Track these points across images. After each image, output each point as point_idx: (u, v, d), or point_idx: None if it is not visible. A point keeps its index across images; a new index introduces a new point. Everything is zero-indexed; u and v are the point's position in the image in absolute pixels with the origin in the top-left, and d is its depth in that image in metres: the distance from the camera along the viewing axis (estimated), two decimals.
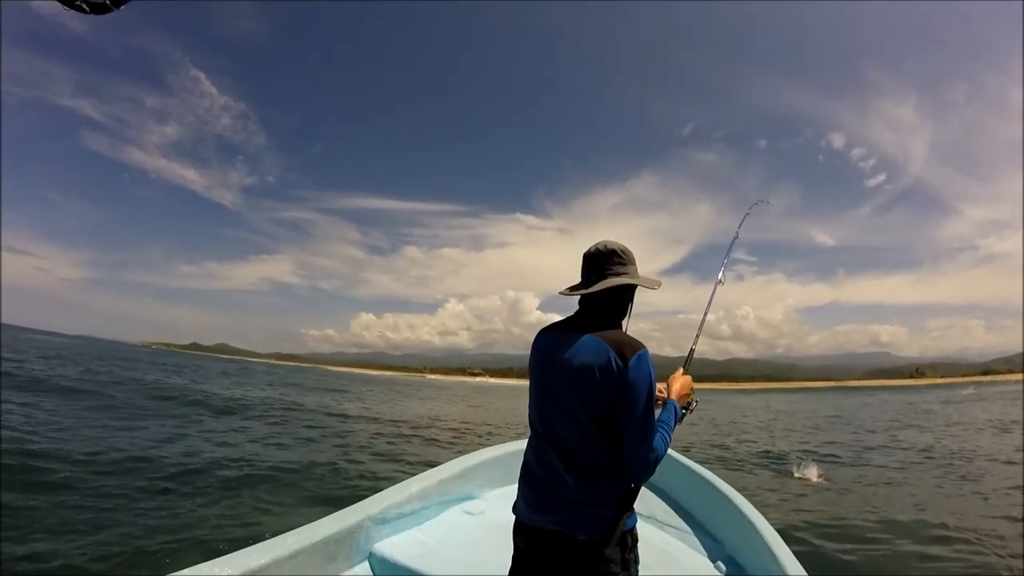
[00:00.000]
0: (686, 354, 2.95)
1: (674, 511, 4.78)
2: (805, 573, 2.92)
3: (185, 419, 16.16)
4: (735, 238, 3.89)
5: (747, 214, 4.17)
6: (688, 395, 2.51)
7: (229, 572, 2.40)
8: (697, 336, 3.14)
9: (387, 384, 76.36)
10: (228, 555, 2.50)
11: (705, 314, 3.29)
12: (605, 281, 2.22)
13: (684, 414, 2.50)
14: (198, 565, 2.39)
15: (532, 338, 2.35)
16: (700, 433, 21.10)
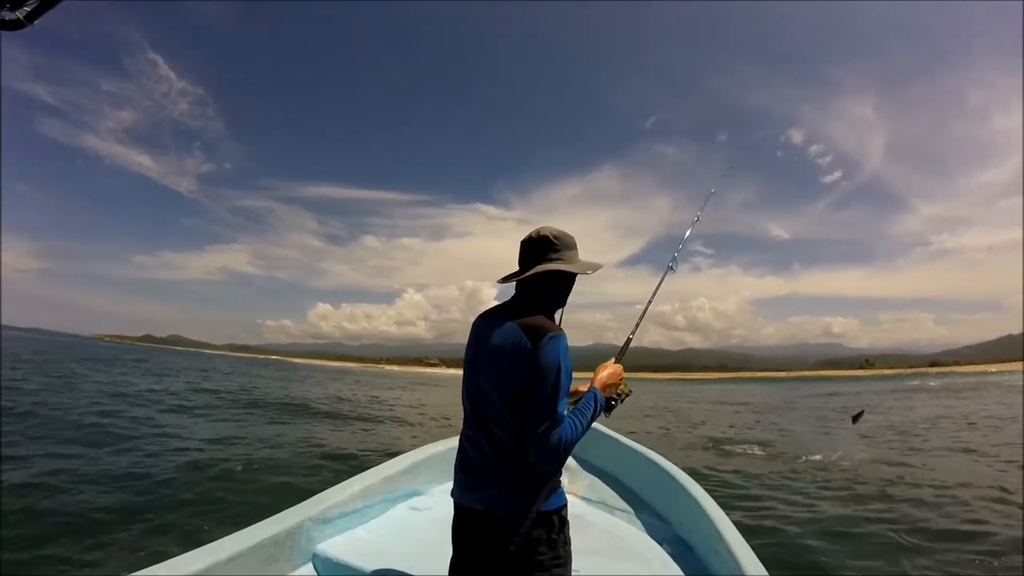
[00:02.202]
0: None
1: (623, 494, 4.82)
2: (750, 549, 2.98)
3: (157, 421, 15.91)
4: (696, 221, 3.83)
5: (712, 192, 4.19)
6: (618, 384, 2.47)
7: None
8: (636, 326, 3.03)
9: (349, 375, 75.32)
10: (164, 562, 2.46)
11: (649, 303, 3.19)
12: (536, 268, 2.26)
13: (614, 404, 2.50)
14: (132, 574, 2.32)
15: None
16: (655, 420, 21.75)
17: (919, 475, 10.65)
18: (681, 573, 3.29)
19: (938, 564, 6.13)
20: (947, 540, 6.82)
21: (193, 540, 2.37)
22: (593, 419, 2.22)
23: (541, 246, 2.29)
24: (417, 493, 4.24)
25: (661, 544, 3.73)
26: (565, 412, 2.09)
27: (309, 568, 3.05)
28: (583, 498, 4.73)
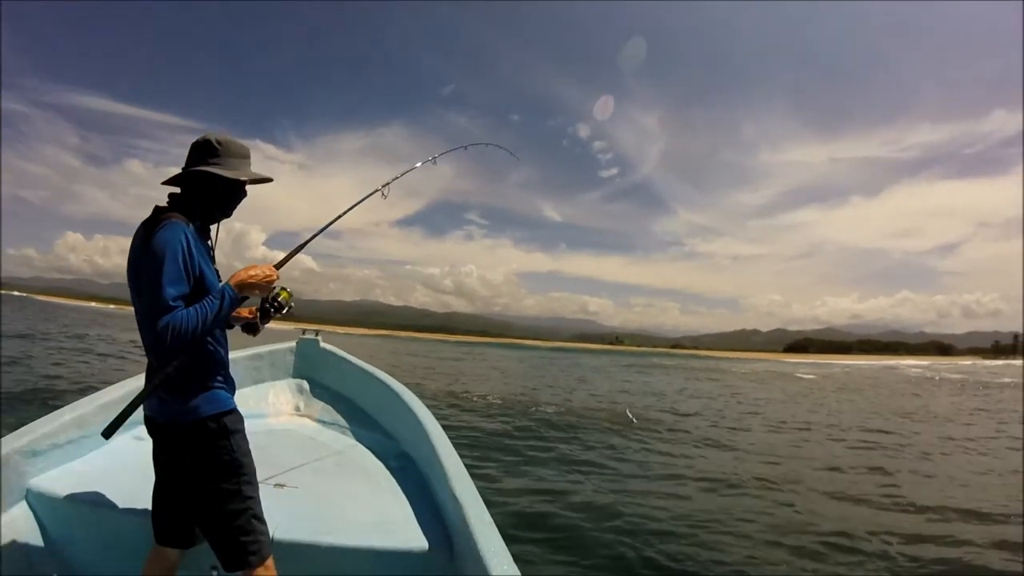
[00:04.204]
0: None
1: (356, 415, 5.08)
2: (459, 459, 3.25)
3: None
4: (432, 160, 3.82)
5: (457, 148, 4.44)
6: (272, 289, 2.39)
7: None
8: (315, 236, 2.85)
9: (110, 319, 67.58)
10: None
11: (344, 213, 3.08)
12: (189, 169, 2.25)
13: (270, 310, 2.50)
14: None
15: None
16: (415, 374, 23.07)
17: (629, 429, 13.00)
18: (397, 485, 3.51)
19: (597, 480, 7.93)
20: (624, 471, 8.91)
21: None
22: (219, 312, 2.10)
23: (202, 150, 2.26)
24: (140, 423, 4.11)
25: (387, 459, 4.00)
26: (179, 303, 2.01)
27: (23, 506, 2.81)
28: (318, 420, 4.98)
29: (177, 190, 2.28)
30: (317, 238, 2.75)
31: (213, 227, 2.37)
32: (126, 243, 2.16)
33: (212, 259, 2.29)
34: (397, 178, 3.46)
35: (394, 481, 3.58)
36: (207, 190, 2.24)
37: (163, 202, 2.19)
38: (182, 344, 1.99)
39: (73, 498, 2.75)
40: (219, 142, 2.25)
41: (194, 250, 2.10)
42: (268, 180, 2.41)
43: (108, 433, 2.14)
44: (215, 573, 2.38)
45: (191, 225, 2.15)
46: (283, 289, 2.47)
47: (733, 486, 8.34)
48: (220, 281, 2.24)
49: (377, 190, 3.27)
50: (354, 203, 3.17)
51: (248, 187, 2.35)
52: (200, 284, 2.12)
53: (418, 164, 3.77)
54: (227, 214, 2.36)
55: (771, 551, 5.80)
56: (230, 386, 2.34)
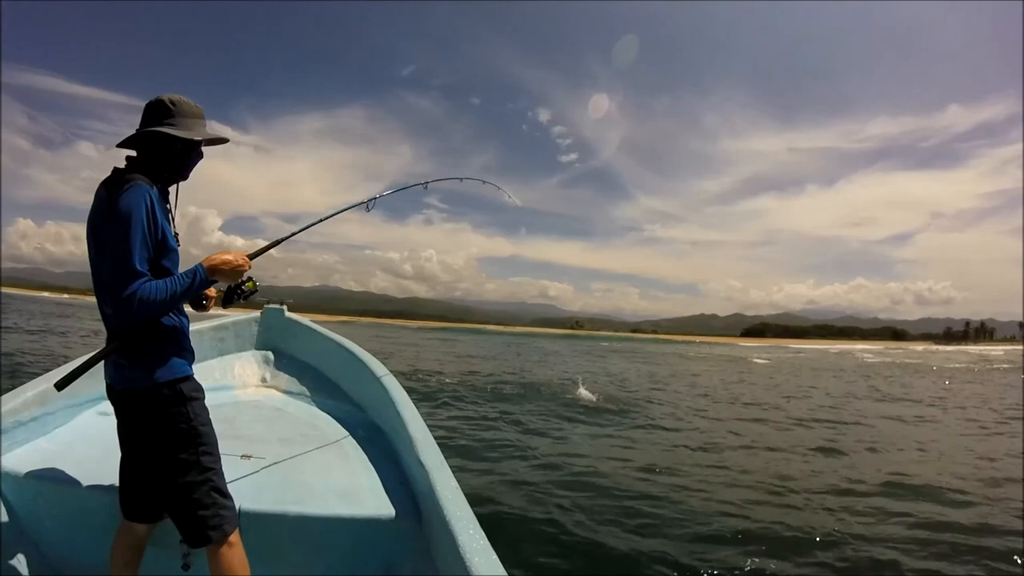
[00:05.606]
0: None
1: (324, 385, 5.08)
2: (426, 428, 3.25)
3: None
4: (423, 184, 3.95)
5: (452, 179, 4.58)
6: (241, 275, 2.39)
7: None
8: (293, 235, 2.97)
9: (70, 307, 65.88)
10: None
11: (328, 217, 3.29)
12: (141, 130, 2.22)
13: (238, 296, 2.59)
14: None
15: None
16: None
17: (583, 410, 14.03)
18: (364, 454, 3.52)
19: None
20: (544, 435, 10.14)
21: None
22: (188, 290, 2.13)
23: (156, 110, 2.22)
24: (105, 398, 3.68)
25: (354, 429, 3.98)
26: (145, 268, 2.03)
27: None
28: (284, 391, 4.96)
29: (134, 153, 2.26)
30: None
31: (172, 189, 2.37)
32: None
33: (172, 221, 2.30)
34: (384, 195, 3.54)
35: (361, 450, 3.60)
36: (161, 151, 2.23)
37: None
38: (147, 314, 2.03)
39: (39, 475, 2.71)
40: (173, 102, 2.23)
41: (157, 212, 2.11)
42: (224, 140, 2.43)
43: (61, 385, 2.20)
44: (185, 547, 2.33)
45: (155, 187, 2.14)
46: (250, 279, 2.55)
47: (678, 461, 8.77)
48: (179, 244, 2.27)
49: (363, 203, 3.36)
50: (337, 211, 3.32)
51: (205, 173, 2.41)
52: (162, 246, 2.15)
53: (408, 186, 3.93)
54: (183, 176, 2.36)
55: (715, 505, 6.36)
56: (189, 354, 2.33)
